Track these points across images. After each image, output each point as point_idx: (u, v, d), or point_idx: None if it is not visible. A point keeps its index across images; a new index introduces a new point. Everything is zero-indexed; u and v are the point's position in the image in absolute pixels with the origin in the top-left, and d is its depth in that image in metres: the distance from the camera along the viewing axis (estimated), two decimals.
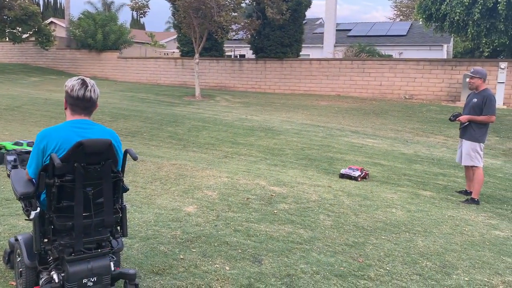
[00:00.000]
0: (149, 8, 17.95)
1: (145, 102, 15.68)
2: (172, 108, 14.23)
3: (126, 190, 2.61)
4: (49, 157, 2.27)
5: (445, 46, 24.54)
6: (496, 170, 7.86)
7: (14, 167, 2.82)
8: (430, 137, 11.01)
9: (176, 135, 9.88)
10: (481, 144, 5.70)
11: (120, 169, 2.49)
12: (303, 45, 21.28)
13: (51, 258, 2.43)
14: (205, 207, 4.59)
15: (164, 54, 28.53)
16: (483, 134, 5.70)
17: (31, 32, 23.38)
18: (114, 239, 2.56)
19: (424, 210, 5.08)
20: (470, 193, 5.85)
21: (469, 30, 15.92)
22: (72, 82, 2.49)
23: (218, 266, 3.23)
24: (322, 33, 25.92)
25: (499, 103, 14.36)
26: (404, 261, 3.56)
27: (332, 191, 5.56)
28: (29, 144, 6.38)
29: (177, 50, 24.64)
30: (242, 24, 17.87)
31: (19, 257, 2.62)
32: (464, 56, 26.30)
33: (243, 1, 17.54)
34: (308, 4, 20.03)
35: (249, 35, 18.83)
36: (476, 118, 5.65)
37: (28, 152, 6.39)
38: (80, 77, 2.55)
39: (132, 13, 46.48)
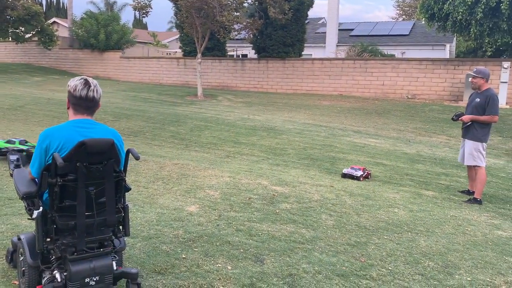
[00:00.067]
0: (151, 8, 18.03)
1: (148, 101, 15.70)
2: (175, 108, 14.24)
3: (128, 189, 2.61)
4: (51, 157, 2.27)
5: (447, 45, 24.49)
6: (499, 170, 7.84)
7: (17, 166, 2.83)
8: (433, 137, 10.99)
9: (178, 135, 9.89)
10: (484, 144, 5.69)
11: (122, 169, 2.50)
12: (305, 45, 21.27)
13: (54, 257, 2.44)
14: (207, 206, 4.60)
15: (167, 54, 28.56)
16: (485, 134, 5.69)
17: (34, 32, 23.42)
18: (116, 238, 2.57)
19: (427, 210, 5.07)
20: (473, 193, 5.84)
21: (472, 29, 15.87)
22: (75, 82, 2.49)
23: (220, 265, 3.24)
24: (325, 32, 25.91)
25: (502, 103, 14.33)
26: (406, 261, 3.55)
27: (334, 191, 5.56)
28: (21, 143, 6.42)
29: (180, 50, 24.66)
30: (244, 23, 17.87)
31: (21, 256, 2.63)
32: (466, 55, 26.23)
33: (245, 1, 17.53)
34: (310, 4, 20.01)
35: (251, 34, 18.83)
36: (479, 118, 5.63)
37: (20, 151, 6.47)
38: (83, 77, 2.55)
39: (135, 13, 46.65)
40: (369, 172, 6.76)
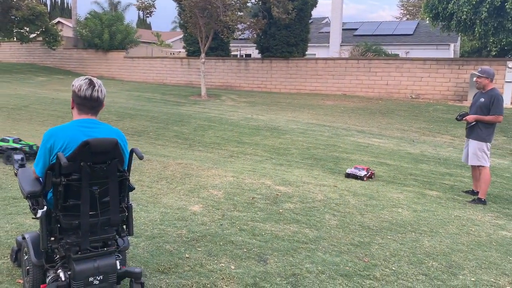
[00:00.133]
0: (155, 8, 18.01)
1: (152, 101, 15.73)
2: (178, 108, 14.26)
3: (132, 189, 2.62)
4: (55, 156, 2.28)
5: (452, 45, 24.38)
6: (503, 170, 7.81)
7: (22, 166, 2.84)
8: (437, 137, 10.95)
9: (182, 135, 9.90)
10: (488, 143, 5.67)
11: (126, 168, 2.51)
12: (309, 45, 21.24)
13: (58, 256, 2.45)
14: (210, 206, 4.60)
15: (170, 53, 28.59)
16: (490, 134, 5.67)
17: (38, 32, 23.53)
18: (120, 237, 2.57)
19: (431, 210, 5.06)
20: (477, 193, 5.82)
21: (476, 29, 15.81)
22: (79, 82, 2.50)
23: (223, 265, 3.24)
24: (328, 32, 25.84)
25: (507, 103, 14.26)
26: (410, 261, 3.55)
27: (338, 191, 5.55)
28: (14, 141, 6.52)
29: (183, 50, 24.68)
30: (248, 23, 17.87)
31: (26, 255, 2.64)
32: (471, 55, 26.12)
33: (249, 1, 17.53)
34: (314, 3, 19.99)
35: (255, 34, 18.82)
36: (484, 118, 5.61)
37: (14, 149, 6.58)
38: (87, 77, 2.56)
39: (139, 13, 46.59)
40: (372, 172, 6.74)
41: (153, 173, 5.84)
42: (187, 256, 3.35)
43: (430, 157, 8.54)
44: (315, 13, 22.06)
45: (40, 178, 2.48)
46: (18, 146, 6.38)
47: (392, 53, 23.39)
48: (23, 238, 2.68)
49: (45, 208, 2.39)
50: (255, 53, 23.42)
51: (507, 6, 14.44)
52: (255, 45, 20.99)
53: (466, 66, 16.87)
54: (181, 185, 5.37)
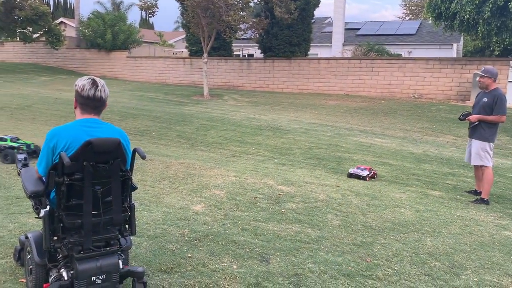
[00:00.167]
0: (157, 8, 18.07)
1: (154, 101, 15.76)
2: (181, 108, 14.28)
3: (135, 188, 2.62)
4: (58, 156, 2.29)
5: (455, 45, 24.31)
6: (506, 170, 7.78)
7: (25, 165, 2.85)
8: (440, 137, 10.93)
9: (185, 134, 9.91)
10: (491, 143, 5.65)
11: (128, 168, 2.51)
12: (311, 44, 21.22)
13: (61, 255, 2.45)
14: (213, 206, 4.61)
15: (173, 53, 28.62)
16: (493, 134, 5.65)
17: (41, 32, 23.59)
18: (122, 237, 2.58)
19: (433, 210, 5.05)
20: (480, 193, 5.80)
21: (479, 28, 15.76)
22: (82, 82, 2.51)
23: (225, 264, 3.24)
24: (331, 32, 25.82)
25: (510, 102, 14.16)
26: (413, 261, 3.54)
27: (340, 191, 5.55)
28: (12, 140, 6.57)
29: (186, 50, 24.72)
30: (251, 23, 17.87)
31: (29, 254, 2.65)
32: (474, 55, 26.02)
33: (251, 1, 17.53)
34: (316, 3, 19.97)
35: (257, 34, 18.83)
36: (487, 118, 5.60)
37: (11, 148, 6.63)
38: (90, 76, 2.57)
39: (141, 13, 46.76)
40: (375, 172, 6.73)
41: (156, 173, 5.85)
42: (189, 255, 3.35)
43: (432, 157, 8.52)
44: (318, 13, 22.07)
45: (43, 178, 2.49)
46: (15, 145, 6.44)
47: (395, 53, 23.34)
48: (26, 237, 2.69)
49: (48, 207, 2.40)
50: (257, 53, 23.43)
51: (510, 5, 14.40)
52: (258, 45, 21.00)
53: (469, 66, 16.82)
54: (184, 184, 5.37)
